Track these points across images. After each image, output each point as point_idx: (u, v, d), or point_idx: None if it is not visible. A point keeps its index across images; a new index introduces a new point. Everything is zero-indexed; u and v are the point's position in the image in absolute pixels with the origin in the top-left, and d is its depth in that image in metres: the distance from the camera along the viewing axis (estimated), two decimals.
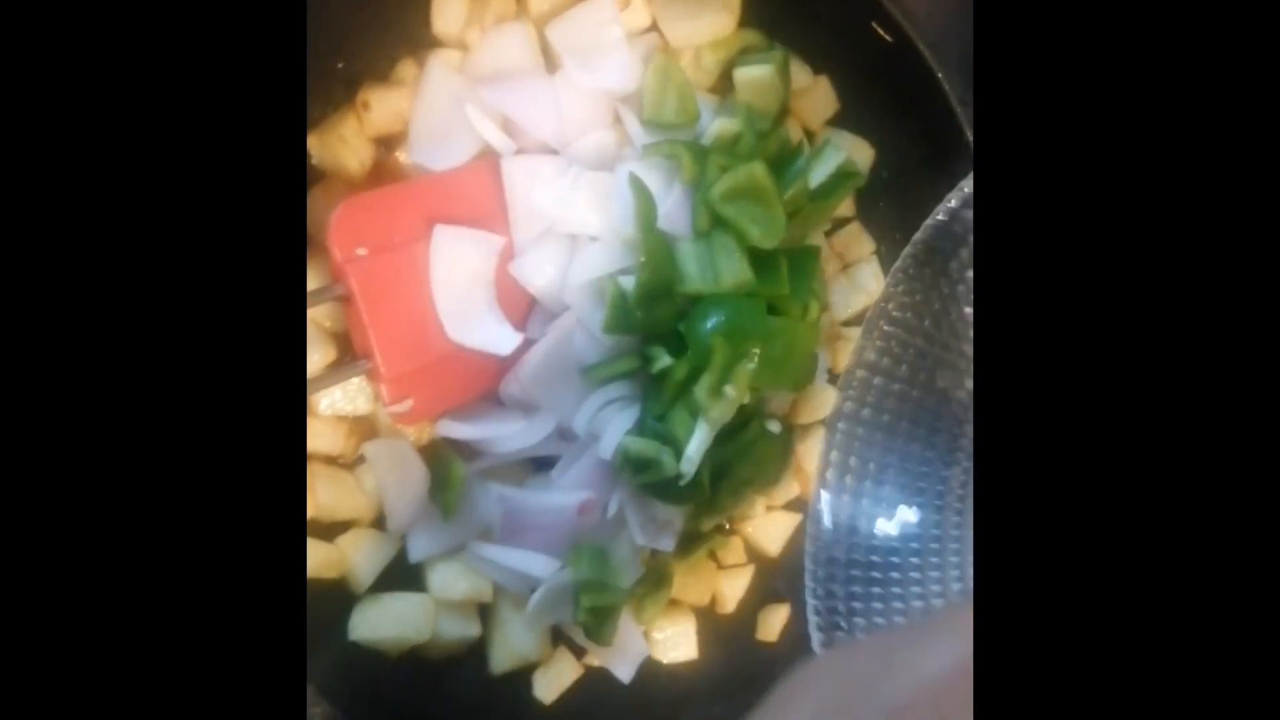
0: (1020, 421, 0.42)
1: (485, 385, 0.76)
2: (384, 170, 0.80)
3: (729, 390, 0.71)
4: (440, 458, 0.76)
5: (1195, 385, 0.41)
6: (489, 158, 0.77)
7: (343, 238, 0.71)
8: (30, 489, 0.40)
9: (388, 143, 0.80)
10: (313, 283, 0.74)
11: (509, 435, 0.74)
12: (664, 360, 0.73)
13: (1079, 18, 0.43)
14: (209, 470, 0.42)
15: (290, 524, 0.43)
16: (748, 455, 0.77)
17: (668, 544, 0.77)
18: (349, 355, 0.75)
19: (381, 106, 0.77)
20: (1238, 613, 0.39)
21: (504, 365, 0.75)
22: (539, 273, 0.75)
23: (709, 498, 0.75)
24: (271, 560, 0.43)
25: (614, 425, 0.72)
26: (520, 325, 0.76)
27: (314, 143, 0.77)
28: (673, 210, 0.74)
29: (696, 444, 0.71)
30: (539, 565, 0.74)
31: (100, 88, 0.42)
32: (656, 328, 0.74)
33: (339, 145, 0.76)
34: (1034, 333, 0.43)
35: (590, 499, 0.74)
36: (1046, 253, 0.43)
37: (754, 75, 0.78)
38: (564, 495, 0.75)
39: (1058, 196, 0.43)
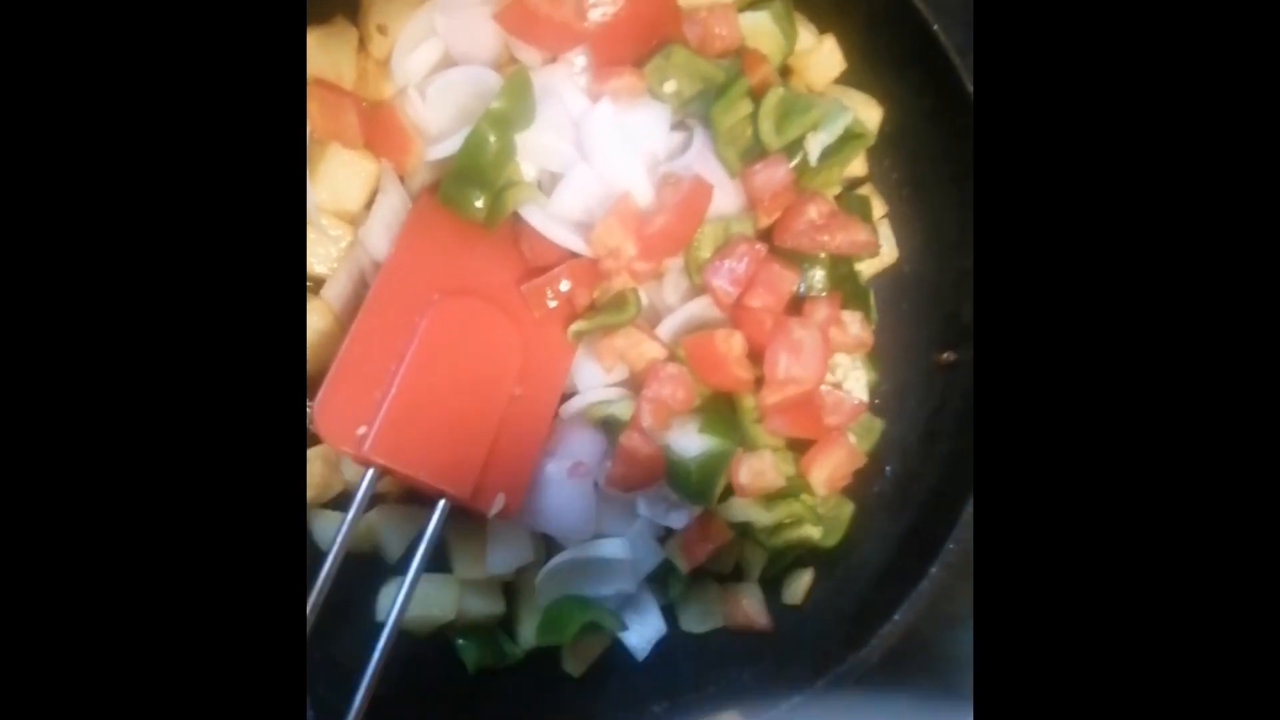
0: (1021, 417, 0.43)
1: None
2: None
3: None
4: None
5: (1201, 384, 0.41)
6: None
7: (334, 430, 0.67)
8: (31, 493, 0.39)
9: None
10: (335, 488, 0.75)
11: None
12: None
13: None
14: (203, 462, 0.41)
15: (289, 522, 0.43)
16: None
17: (679, 521, 0.76)
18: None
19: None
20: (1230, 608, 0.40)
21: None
22: (574, 207, 0.74)
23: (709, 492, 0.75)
24: (271, 548, 0.42)
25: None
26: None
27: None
28: (693, 158, 0.74)
29: (696, 444, 0.74)
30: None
31: (97, 75, 0.41)
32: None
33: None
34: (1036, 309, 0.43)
35: (581, 463, 0.75)
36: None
37: (753, 23, 0.78)
38: (554, 463, 0.76)
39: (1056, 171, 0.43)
